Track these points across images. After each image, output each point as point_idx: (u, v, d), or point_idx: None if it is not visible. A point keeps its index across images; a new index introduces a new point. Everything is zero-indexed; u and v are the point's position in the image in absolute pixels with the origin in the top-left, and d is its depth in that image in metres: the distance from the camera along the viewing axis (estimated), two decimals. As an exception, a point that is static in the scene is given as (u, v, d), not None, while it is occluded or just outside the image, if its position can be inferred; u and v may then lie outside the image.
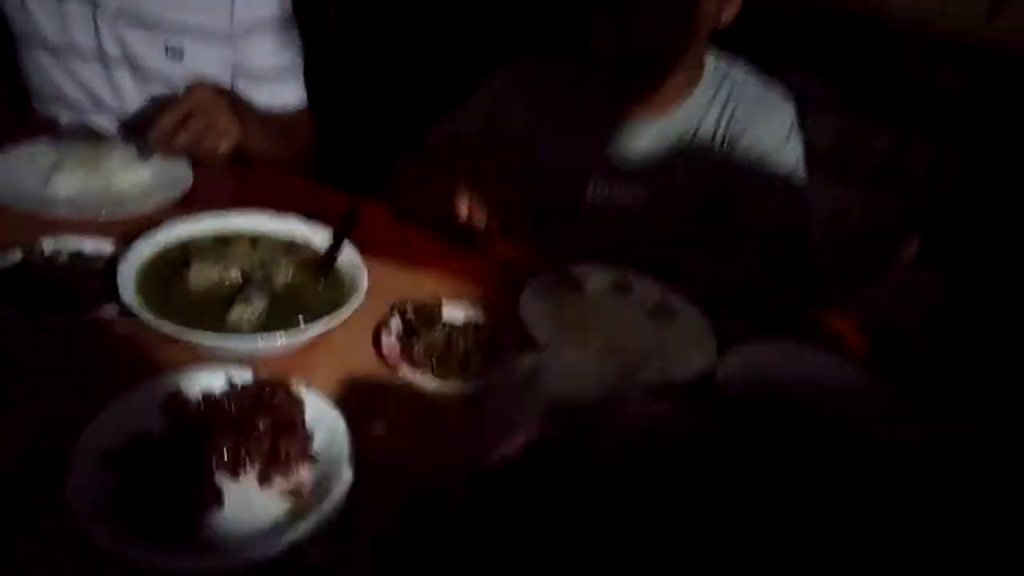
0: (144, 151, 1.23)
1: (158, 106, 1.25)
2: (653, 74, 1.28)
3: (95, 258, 1.00)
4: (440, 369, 0.92)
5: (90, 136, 1.27)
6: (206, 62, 1.40)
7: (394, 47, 2.59)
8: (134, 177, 1.20)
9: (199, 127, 1.17)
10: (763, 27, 2.26)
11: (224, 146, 1.21)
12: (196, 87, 1.20)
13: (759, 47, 1.94)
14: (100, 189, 1.17)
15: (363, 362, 0.94)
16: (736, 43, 1.34)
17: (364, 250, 1.03)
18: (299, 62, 1.51)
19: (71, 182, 1.16)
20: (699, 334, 1.08)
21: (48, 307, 0.89)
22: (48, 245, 1.00)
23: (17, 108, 1.54)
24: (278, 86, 1.48)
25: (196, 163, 1.22)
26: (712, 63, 1.36)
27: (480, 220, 1.12)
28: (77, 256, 1.00)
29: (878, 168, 2.39)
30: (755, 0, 1.28)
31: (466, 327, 0.99)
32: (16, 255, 0.98)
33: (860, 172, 2.42)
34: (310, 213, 1.11)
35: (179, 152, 1.20)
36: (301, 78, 1.52)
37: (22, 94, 1.52)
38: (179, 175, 1.22)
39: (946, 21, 2.14)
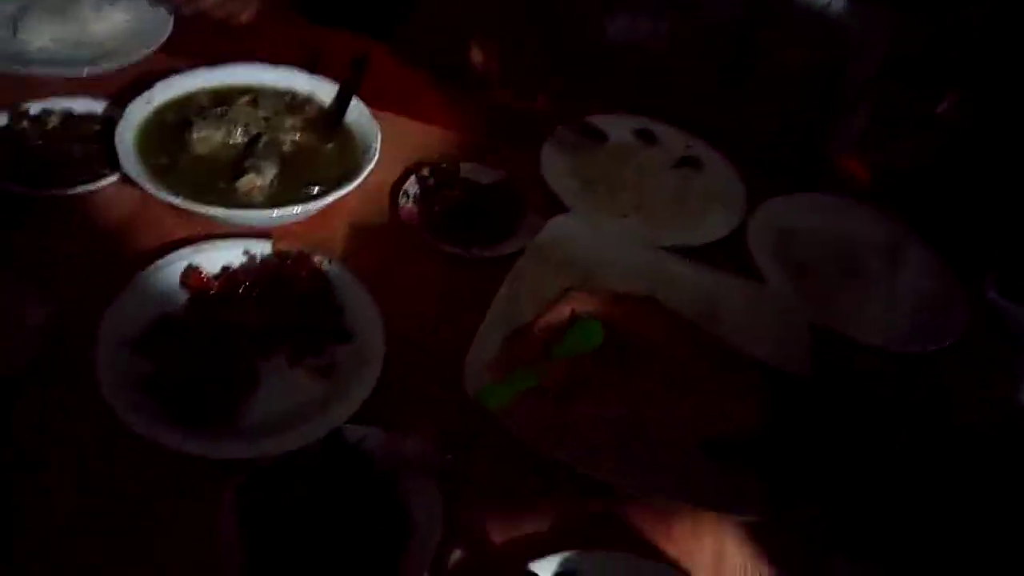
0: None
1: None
2: None
3: (87, 119, 0.93)
4: (463, 234, 0.89)
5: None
6: None
7: None
8: (109, 23, 1.09)
9: None
10: None
11: (251, 11, 1.10)
12: None
13: None
14: (74, 38, 1.07)
15: (382, 228, 0.90)
16: None
17: (373, 104, 0.97)
18: None
19: (40, 32, 1.06)
20: (727, 185, 1.04)
21: (48, 181, 0.84)
22: (34, 108, 0.93)
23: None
24: None
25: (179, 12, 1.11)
26: None
27: (493, 64, 1.03)
28: (68, 118, 0.93)
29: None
30: None
31: (487, 188, 0.95)
32: (0, 118, 0.91)
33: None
34: (308, 59, 1.03)
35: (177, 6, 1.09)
36: None
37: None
38: (158, 20, 1.11)
39: None
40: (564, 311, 0.61)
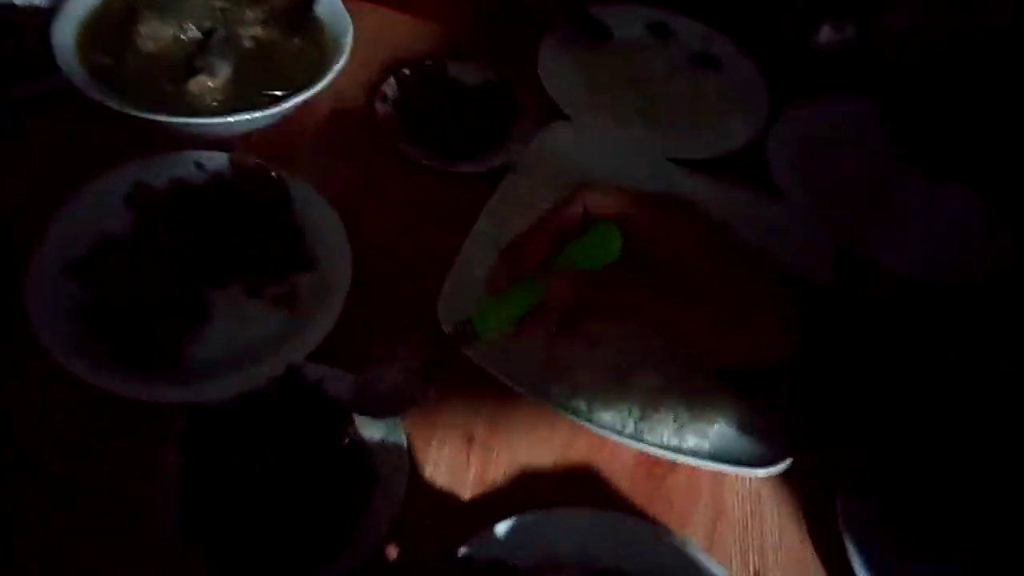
0: None
1: None
2: None
3: (26, 13, 0.83)
4: (448, 144, 0.79)
5: None
6: None
7: None
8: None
9: None
10: None
11: None
12: None
13: None
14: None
15: (355, 136, 0.81)
16: None
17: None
18: None
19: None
20: (748, 87, 0.92)
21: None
22: (-35, -5, 0.82)
23: None
24: None
25: None
26: None
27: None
28: (5, 11, 0.83)
29: None
30: None
31: (476, 90, 0.84)
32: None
33: None
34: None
35: None
36: None
37: None
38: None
39: None
40: (575, 211, 0.49)
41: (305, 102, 0.75)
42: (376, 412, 0.55)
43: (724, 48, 0.95)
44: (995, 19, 0.90)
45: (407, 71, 0.84)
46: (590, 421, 0.59)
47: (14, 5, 0.84)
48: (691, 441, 0.60)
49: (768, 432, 0.60)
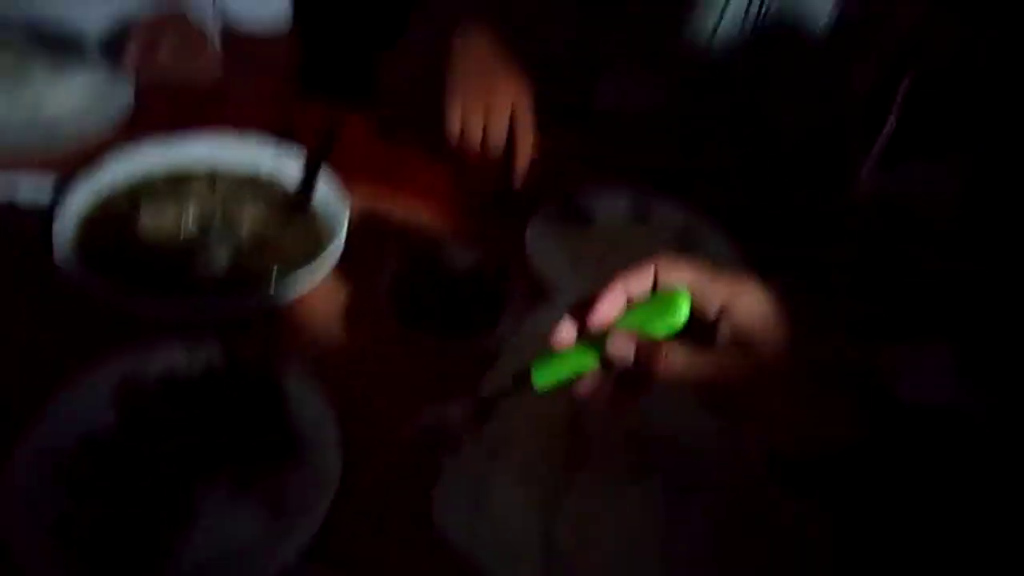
0: (78, 64, 1.04)
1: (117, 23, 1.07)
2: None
3: (32, 200, 0.85)
4: (442, 325, 0.80)
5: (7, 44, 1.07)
6: None
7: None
8: (64, 97, 1.01)
9: (179, 44, 0.99)
10: None
11: (205, 70, 1.02)
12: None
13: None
14: (27, 110, 1.00)
15: (349, 319, 0.82)
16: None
17: (344, 177, 0.89)
18: None
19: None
20: (728, 264, 0.95)
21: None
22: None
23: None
24: None
25: (140, 80, 1.04)
26: None
27: (473, 131, 0.95)
28: (11, 200, 0.85)
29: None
30: None
31: (468, 271, 0.86)
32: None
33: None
34: (281, 133, 0.96)
35: (135, 71, 1.01)
36: None
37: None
38: (116, 90, 1.04)
39: None
40: (647, 275, 0.48)
41: (300, 285, 0.76)
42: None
43: (703, 229, 0.99)
44: None
45: (402, 254, 0.87)
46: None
47: (17, 195, 0.86)
48: None
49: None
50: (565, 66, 1.21)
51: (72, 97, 1.02)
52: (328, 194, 0.87)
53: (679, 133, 1.16)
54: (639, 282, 0.48)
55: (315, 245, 0.82)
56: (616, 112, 1.21)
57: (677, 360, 0.46)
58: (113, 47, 1.04)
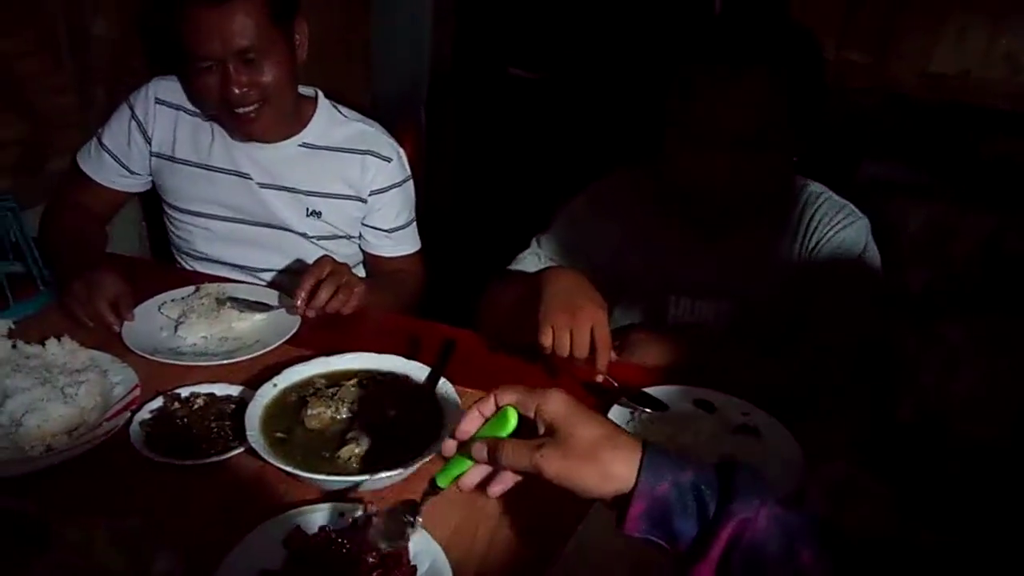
0: (260, 304, 1.38)
1: (285, 268, 1.56)
2: (729, 207, 1.31)
3: (225, 400, 1.13)
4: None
5: (215, 290, 1.43)
6: (340, 219, 1.63)
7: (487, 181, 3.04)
8: (249, 323, 1.36)
9: (335, 286, 1.35)
10: (842, 120, 2.31)
11: (353, 303, 1.37)
12: (324, 258, 1.38)
13: (838, 138, 1.98)
14: (220, 335, 1.33)
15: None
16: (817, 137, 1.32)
17: (459, 382, 1.13)
18: (414, 217, 1.73)
19: (194, 331, 1.32)
20: (784, 449, 1.09)
21: (188, 453, 1.02)
22: (184, 391, 1.14)
23: (160, 261, 1.76)
24: (401, 238, 1.70)
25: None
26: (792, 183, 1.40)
27: (562, 344, 1.17)
28: (210, 400, 1.13)
29: (972, 252, 2.33)
30: (833, 93, 1.32)
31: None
32: (158, 402, 1.12)
33: (954, 255, 2.36)
34: (411, 348, 1.22)
35: (313, 309, 1.35)
36: (416, 230, 1.74)
37: (167, 250, 1.74)
38: (288, 320, 1.36)
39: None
40: (491, 402, 0.80)
41: (424, 463, 0.97)
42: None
43: (762, 419, 1.15)
44: None
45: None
46: None
47: (214, 395, 1.15)
48: None
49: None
50: (643, 292, 1.45)
51: (254, 324, 1.36)
52: (447, 392, 1.11)
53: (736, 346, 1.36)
54: (487, 406, 0.80)
55: (437, 428, 1.04)
56: (686, 327, 1.42)
57: (512, 450, 0.75)
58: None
